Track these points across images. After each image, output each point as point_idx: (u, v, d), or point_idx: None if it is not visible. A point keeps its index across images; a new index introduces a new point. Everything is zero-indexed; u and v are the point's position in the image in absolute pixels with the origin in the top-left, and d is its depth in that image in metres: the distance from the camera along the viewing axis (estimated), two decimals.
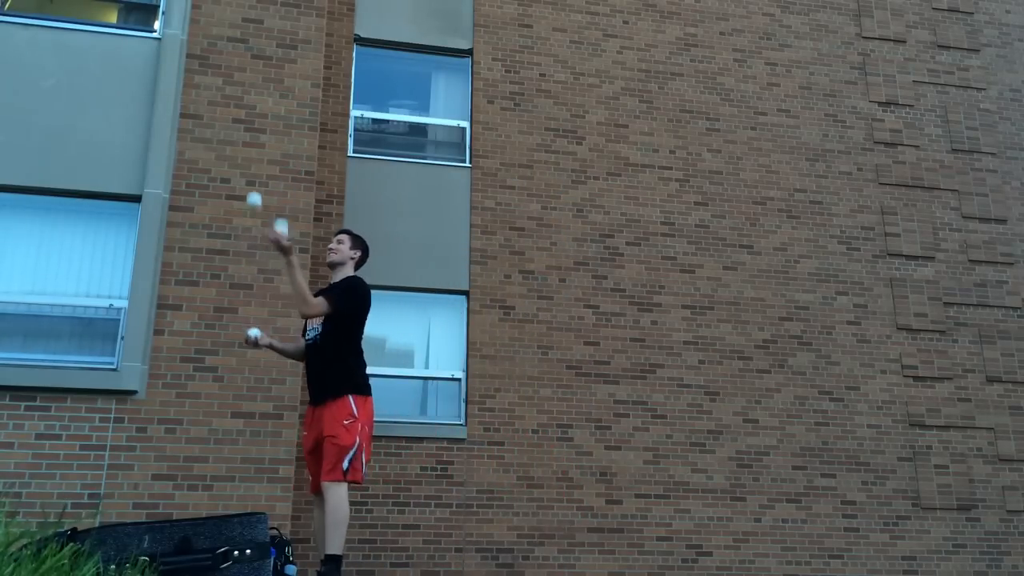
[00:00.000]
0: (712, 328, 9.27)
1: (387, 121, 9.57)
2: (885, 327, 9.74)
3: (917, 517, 9.15)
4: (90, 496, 6.11)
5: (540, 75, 9.69)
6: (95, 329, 6.67)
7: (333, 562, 4.68)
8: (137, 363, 6.42)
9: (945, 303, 9.97)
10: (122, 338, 6.53)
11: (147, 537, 4.75)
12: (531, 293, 8.94)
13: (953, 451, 9.46)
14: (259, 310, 6.76)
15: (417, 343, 8.87)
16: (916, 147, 10.50)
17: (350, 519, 6.15)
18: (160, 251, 6.71)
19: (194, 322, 6.65)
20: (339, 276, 5.23)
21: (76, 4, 7.94)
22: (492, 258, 8.97)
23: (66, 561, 3.67)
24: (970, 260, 10.20)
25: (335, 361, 4.99)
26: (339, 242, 5.30)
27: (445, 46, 9.65)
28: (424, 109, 9.74)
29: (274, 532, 5.25)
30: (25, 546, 3.87)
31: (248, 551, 4.76)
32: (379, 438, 7.78)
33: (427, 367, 8.78)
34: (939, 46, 11.04)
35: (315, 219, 7.65)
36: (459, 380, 8.65)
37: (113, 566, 4.29)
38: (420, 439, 8.29)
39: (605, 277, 9.17)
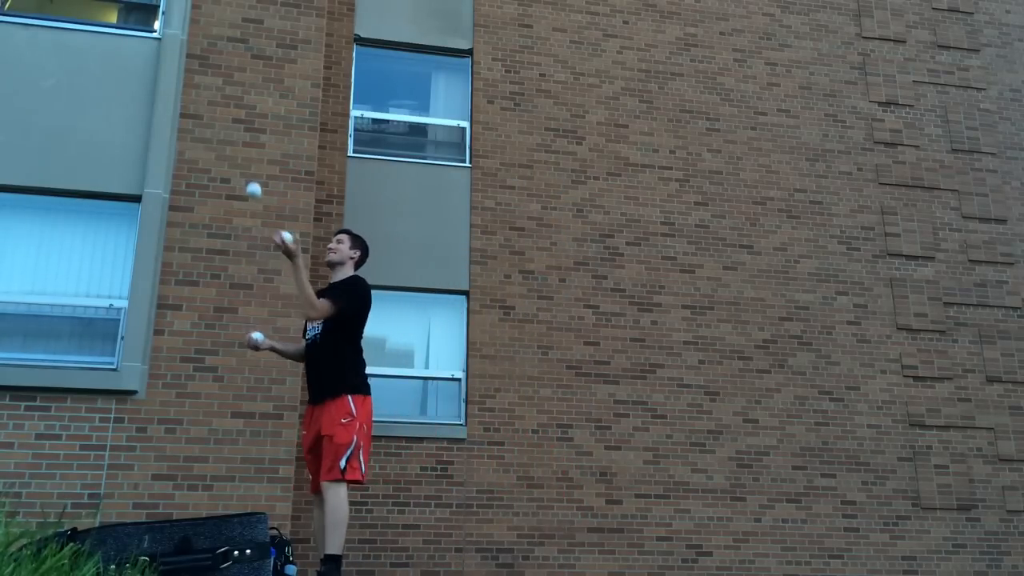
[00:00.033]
0: (712, 328, 9.27)
1: (387, 121, 9.57)
2: (885, 327, 9.74)
3: (917, 517, 9.15)
4: (90, 496, 6.11)
5: (540, 75, 9.69)
6: (95, 329, 6.66)
7: (333, 562, 4.69)
8: (137, 363, 6.42)
9: (945, 303, 9.97)
10: (122, 338, 6.53)
11: (147, 537, 4.75)
12: (531, 293, 8.94)
13: (953, 451, 9.46)
14: (259, 310, 6.76)
15: (417, 343, 8.87)
16: (916, 147, 10.50)
17: (350, 519, 6.18)
18: (160, 251, 6.71)
19: (194, 322, 6.65)
20: (339, 276, 5.23)
21: (76, 4, 7.94)
22: (492, 258, 8.97)
23: (66, 561, 3.67)
24: (970, 260, 10.20)
25: (334, 360, 4.99)
26: (339, 242, 5.30)
27: (445, 46, 9.65)
28: (424, 109, 9.74)
29: (274, 532, 5.25)
30: (25, 546, 3.87)
31: (248, 551, 4.76)
32: (379, 438, 7.78)
33: (427, 367, 8.78)
34: (939, 46, 11.04)
35: (315, 219, 7.65)
36: (459, 380, 8.65)
37: (113, 566, 4.29)
38: (420, 439, 8.29)
39: (605, 277, 9.17)
